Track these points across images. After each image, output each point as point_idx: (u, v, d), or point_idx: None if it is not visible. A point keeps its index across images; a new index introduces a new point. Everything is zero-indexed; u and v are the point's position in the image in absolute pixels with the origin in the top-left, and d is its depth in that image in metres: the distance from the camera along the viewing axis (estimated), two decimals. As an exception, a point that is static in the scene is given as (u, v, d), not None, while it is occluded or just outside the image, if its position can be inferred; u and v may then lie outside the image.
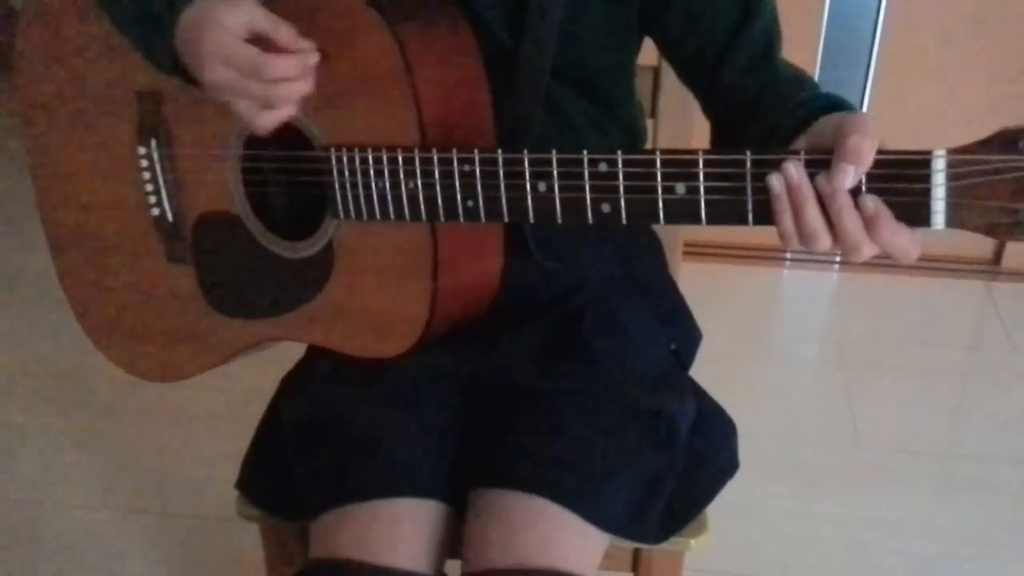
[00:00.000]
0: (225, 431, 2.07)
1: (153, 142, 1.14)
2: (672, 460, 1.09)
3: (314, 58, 0.96)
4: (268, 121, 0.97)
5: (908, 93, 2.57)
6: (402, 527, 1.03)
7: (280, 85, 0.95)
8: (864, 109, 2.55)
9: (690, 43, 1.06)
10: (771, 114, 0.96)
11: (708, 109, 1.09)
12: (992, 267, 2.65)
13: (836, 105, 0.89)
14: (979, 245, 2.56)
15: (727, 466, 1.16)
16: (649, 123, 1.27)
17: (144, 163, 1.15)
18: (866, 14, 2.52)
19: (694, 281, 1.30)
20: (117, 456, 2.09)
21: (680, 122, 1.16)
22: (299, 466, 1.11)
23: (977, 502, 1.95)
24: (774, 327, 2.58)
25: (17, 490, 2.01)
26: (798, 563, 1.81)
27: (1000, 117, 2.50)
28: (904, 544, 1.85)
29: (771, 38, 1.04)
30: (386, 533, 1.02)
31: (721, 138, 1.07)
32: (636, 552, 1.16)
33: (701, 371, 1.23)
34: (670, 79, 1.24)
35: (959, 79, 2.55)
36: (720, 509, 1.14)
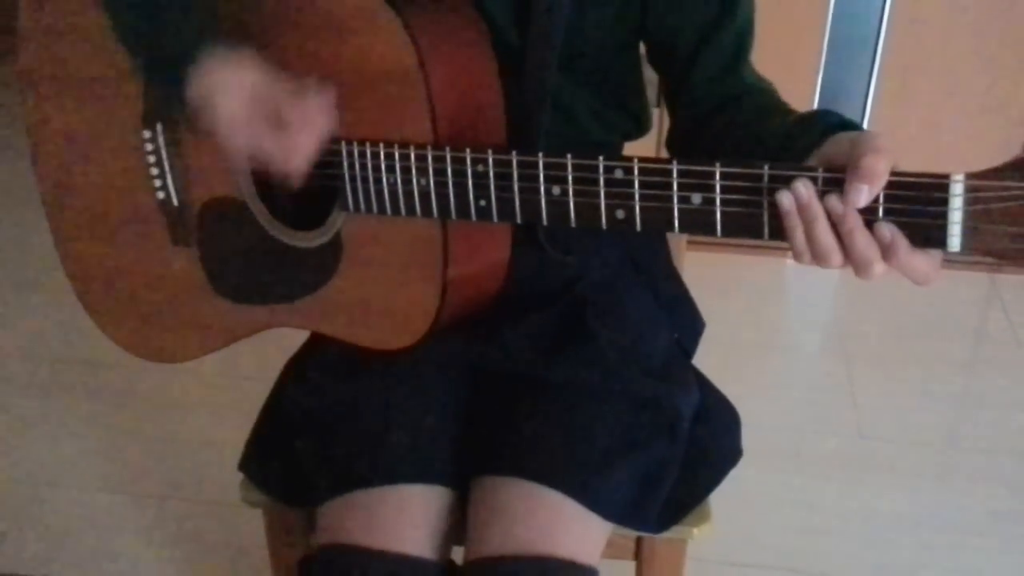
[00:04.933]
0: (227, 416, 2.07)
1: (159, 126, 1.13)
2: (675, 449, 1.10)
3: (325, 106, 0.96)
4: (299, 166, 0.97)
5: (911, 91, 2.56)
6: (409, 513, 1.04)
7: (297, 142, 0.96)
8: (867, 108, 2.55)
9: (665, 28, 1.08)
10: (756, 127, 0.98)
11: (672, 103, 1.12)
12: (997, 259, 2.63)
13: (844, 124, 0.89)
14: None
15: (730, 455, 1.16)
16: (654, 112, 1.27)
17: (149, 147, 1.15)
18: (870, 11, 2.49)
19: (698, 271, 1.30)
20: (119, 440, 2.08)
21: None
22: (306, 453, 1.11)
23: (979, 494, 1.96)
24: (778, 317, 2.58)
25: (19, 473, 2.00)
26: (800, 553, 1.81)
27: (1002, 115, 2.50)
28: (905, 535, 1.86)
29: (743, 42, 1.07)
30: (393, 519, 1.03)
31: (682, 136, 1.11)
32: (638, 541, 1.17)
33: (704, 360, 1.23)
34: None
35: (961, 78, 2.54)
36: (722, 498, 1.15)
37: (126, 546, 1.84)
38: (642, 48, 1.16)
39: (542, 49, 1.05)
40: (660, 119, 1.29)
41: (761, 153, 0.89)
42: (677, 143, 1.13)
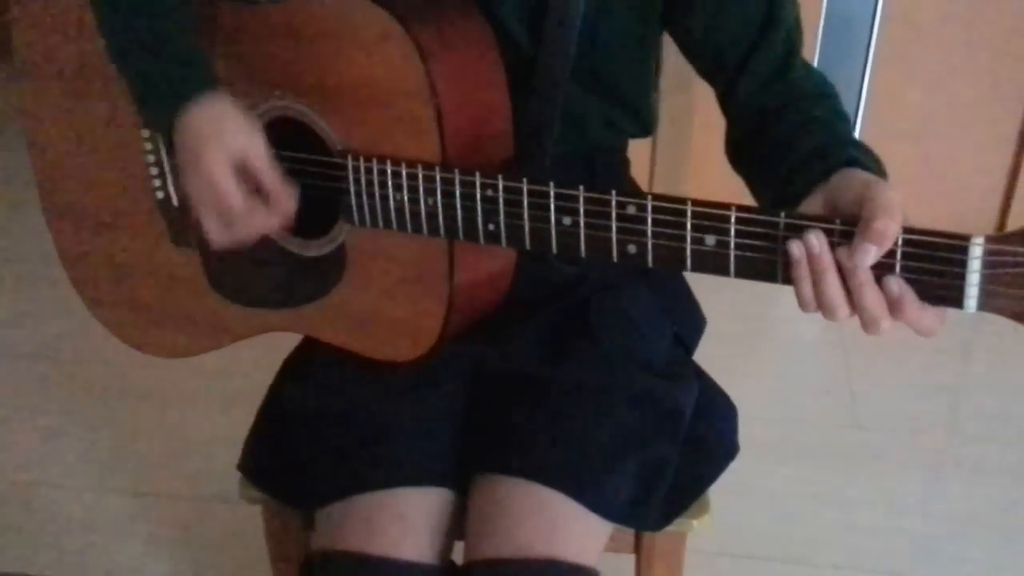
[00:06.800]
0: (227, 412, 2.07)
1: None
2: (675, 447, 1.10)
3: (291, 209, 0.99)
4: (222, 243, 1.01)
5: (904, 86, 2.54)
6: (408, 518, 1.04)
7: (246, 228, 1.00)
8: (861, 103, 2.51)
9: (711, 45, 1.05)
10: (786, 149, 0.96)
11: (724, 109, 1.09)
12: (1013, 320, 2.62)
13: (855, 160, 0.88)
14: (980, 224, 2.55)
15: (728, 449, 1.17)
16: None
17: (148, 146, 1.13)
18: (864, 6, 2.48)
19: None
20: (116, 437, 2.07)
21: (682, 99, 1.15)
22: (304, 455, 1.11)
23: (976, 482, 1.97)
24: (775, 307, 2.56)
25: (16, 471, 1.99)
26: (799, 543, 1.82)
27: (996, 112, 2.47)
28: (904, 524, 1.87)
29: (792, 45, 1.03)
30: (392, 525, 1.03)
31: (735, 144, 1.08)
32: (638, 534, 1.18)
33: (702, 352, 1.23)
34: (672, 57, 1.20)
35: (956, 72, 2.53)
36: (721, 490, 1.16)
37: (126, 544, 1.83)
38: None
39: (555, 62, 1.03)
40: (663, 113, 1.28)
41: (775, 183, 0.89)
42: (731, 151, 1.09)
